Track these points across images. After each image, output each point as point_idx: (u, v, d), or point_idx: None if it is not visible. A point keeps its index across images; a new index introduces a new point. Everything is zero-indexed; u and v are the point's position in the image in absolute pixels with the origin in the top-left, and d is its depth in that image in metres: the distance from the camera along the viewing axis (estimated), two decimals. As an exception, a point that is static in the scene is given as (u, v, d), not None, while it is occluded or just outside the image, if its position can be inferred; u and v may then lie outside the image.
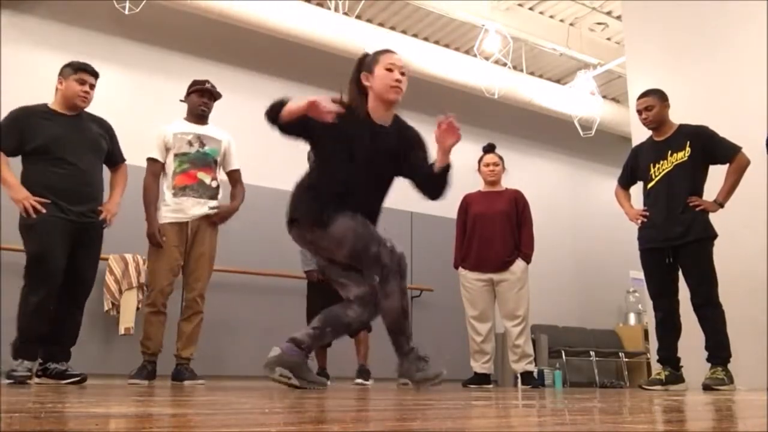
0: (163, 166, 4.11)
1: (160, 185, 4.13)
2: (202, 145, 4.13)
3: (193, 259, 4.05)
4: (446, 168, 2.91)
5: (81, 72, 3.56)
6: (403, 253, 2.74)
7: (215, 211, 4.10)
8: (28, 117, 3.47)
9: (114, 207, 3.67)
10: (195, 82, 4.26)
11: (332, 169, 2.81)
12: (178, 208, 4.03)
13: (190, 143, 4.11)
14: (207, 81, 4.27)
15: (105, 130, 3.72)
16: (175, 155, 4.08)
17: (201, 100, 4.19)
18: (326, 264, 2.91)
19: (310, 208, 2.79)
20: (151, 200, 4.05)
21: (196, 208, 4.05)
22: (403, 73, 2.86)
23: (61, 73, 3.59)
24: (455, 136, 2.82)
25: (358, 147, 2.79)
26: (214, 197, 4.13)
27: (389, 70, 2.84)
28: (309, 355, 2.80)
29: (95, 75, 3.64)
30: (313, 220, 2.77)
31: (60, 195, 3.39)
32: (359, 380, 4.60)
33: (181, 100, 4.30)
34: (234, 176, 4.30)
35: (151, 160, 4.12)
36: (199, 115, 4.20)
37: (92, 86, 3.61)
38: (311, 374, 2.79)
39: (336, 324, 2.79)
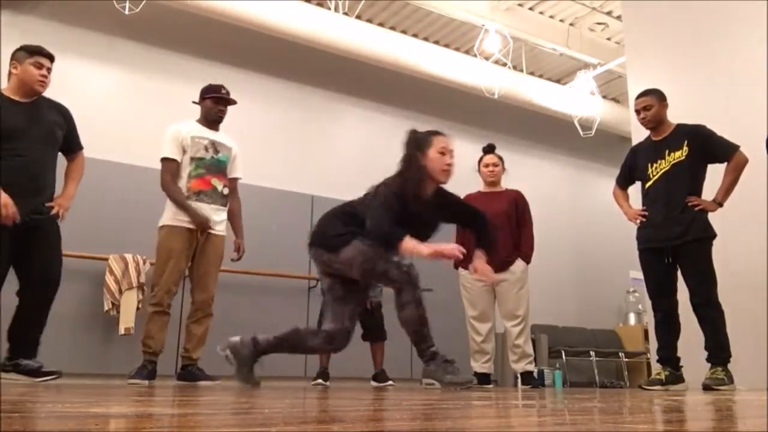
0: (179, 165, 4.04)
1: None
2: (216, 151, 4.13)
3: (204, 261, 4.05)
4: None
5: (37, 55, 3.43)
6: (413, 265, 2.91)
7: (222, 232, 4.12)
8: None
9: (67, 201, 3.50)
10: (211, 88, 4.23)
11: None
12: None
13: (206, 149, 4.10)
14: (222, 87, 4.26)
15: (63, 116, 3.55)
16: (191, 158, 4.05)
17: (217, 107, 4.18)
18: (327, 288, 3.07)
19: (329, 230, 3.03)
20: (179, 197, 3.97)
21: (211, 215, 4.05)
22: (452, 157, 3.12)
23: (14, 58, 3.42)
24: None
25: (408, 221, 2.96)
26: (224, 204, 4.15)
27: (442, 153, 3.07)
28: (259, 357, 3.03)
29: (51, 58, 3.50)
30: (326, 246, 2.97)
31: (9, 187, 3.22)
32: (374, 382, 4.70)
33: (195, 102, 4.29)
34: (234, 184, 4.29)
35: (167, 160, 4.03)
36: (213, 121, 4.20)
37: (49, 70, 3.47)
38: (250, 373, 3.00)
39: (297, 344, 3.03)
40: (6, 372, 3.33)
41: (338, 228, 2.96)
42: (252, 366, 3.01)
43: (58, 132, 3.49)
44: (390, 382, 4.65)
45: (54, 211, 3.43)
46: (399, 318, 2.93)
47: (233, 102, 4.28)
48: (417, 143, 3.11)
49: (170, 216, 4.01)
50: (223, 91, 4.24)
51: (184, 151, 4.06)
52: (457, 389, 2.87)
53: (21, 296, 3.38)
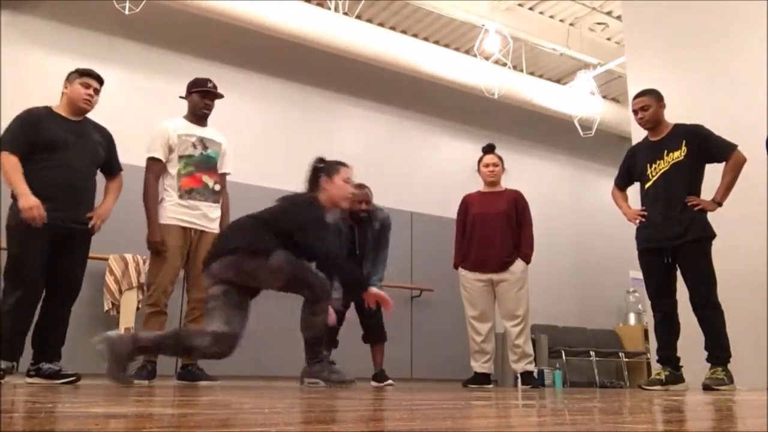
0: (165, 166, 4.02)
1: (161, 184, 4.06)
2: (205, 147, 4.10)
3: (199, 259, 4.00)
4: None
5: (85, 77, 3.65)
6: (327, 280, 3.23)
7: (217, 230, 4.11)
8: (33, 118, 3.53)
9: (105, 212, 3.69)
10: (197, 82, 4.20)
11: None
12: (186, 210, 3.99)
13: (194, 145, 4.06)
14: (209, 80, 4.22)
15: (105, 139, 3.76)
16: (180, 156, 4.01)
17: (203, 101, 4.14)
18: (221, 292, 3.11)
19: (256, 239, 3.13)
20: (152, 202, 3.96)
21: (202, 217, 4.04)
22: (97, 91, 3.48)
23: (67, 78, 3.67)
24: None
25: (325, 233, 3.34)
26: (217, 201, 4.12)
27: (346, 182, 3.38)
28: (136, 356, 3.10)
29: (99, 80, 3.71)
30: (256, 248, 3.08)
31: (53, 196, 3.41)
32: (374, 382, 4.65)
33: (182, 97, 4.25)
34: (223, 180, 4.23)
35: (153, 160, 4.02)
36: (200, 116, 4.16)
37: (96, 90, 3.68)
38: (123, 372, 2.98)
39: (180, 343, 3.06)
40: (30, 377, 3.43)
41: (264, 237, 3.10)
42: (126, 365, 3.00)
43: (101, 151, 3.70)
44: (389, 382, 4.63)
45: (92, 222, 3.61)
46: (306, 320, 3.20)
47: (220, 96, 4.23)
48: (326, 169, 3.37)
49: (163, 215, 3.97)
50: (210, 85, 4.18)
51: (171, 150, 4.02)
52: (343, 388, 3.20)
53: (45, 301, 3.46)
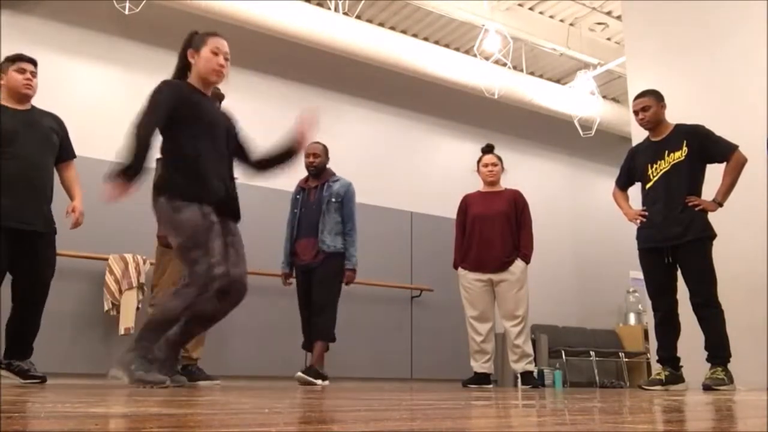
0: None
1: None
2: None
3: None
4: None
5: (18, 62, 3.54)
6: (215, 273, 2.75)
7: None
8: None
9: (81, 205, 3.59)
10: None
11: (183, 141, 2.88)
12: None
13: None
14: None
15: (57, 124, 3.64)
16: None
17: None
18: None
19: (175, 182, 2.86)
20: None
21: None
22: (227, 59, 3.01)
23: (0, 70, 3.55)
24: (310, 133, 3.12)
25: (195, 112, 2.90)
26: None
27: (215, 53, 2.97)
28: (174, 351, 2.88)
29: (33, 62, 3.59)
30: (174, 194, 2.82)
31: (11, 194, 3.31)
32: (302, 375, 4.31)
33: None
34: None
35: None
36: None
37: (33, 73, 3.57)
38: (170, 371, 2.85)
39: (194, 310, 2.78)
40: (1, 369, 3.43)
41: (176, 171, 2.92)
42: (171, 363, 2.88)
43: (54, 137, 3.58)
44: (324, 382, 4.28)
45: (74, 217, 3.53)
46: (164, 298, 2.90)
47: (222, 96, 4.27)
48: (191, 41, 3.04)
49: None
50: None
51: None
52: (145, 387, 2.63)
53: (16, 300, 3.44)
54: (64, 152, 3.66)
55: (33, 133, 3.48)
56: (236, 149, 3.11)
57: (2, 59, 3.58)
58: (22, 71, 3.52)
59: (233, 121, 3.13)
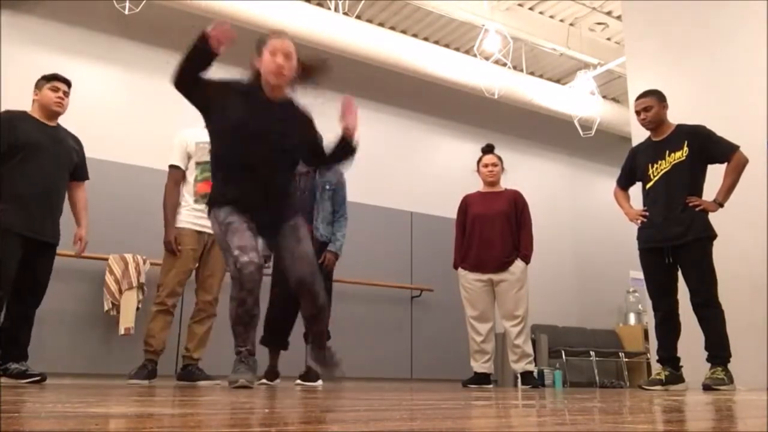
0: (184, 173, 4.18)
1: (180, 191, 4.20)
2: None
3: (211, 263, 4.12)
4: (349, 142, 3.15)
5: (53, 81, 3.74)
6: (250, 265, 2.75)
7: None
8: (10, 119, 3.59)
9: (86, 233, 3.83)
10: None
11: (224, 143, 2.94)
12: (200, 215, 4.06)
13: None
14: None
15: (78, 145, 3.87)
16: (197, 163, 4.16)
17: None
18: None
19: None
20: (171, 207, 4.12)
21: None
22: (288, 58, 2.98)
23: (36, 86, 3.75)
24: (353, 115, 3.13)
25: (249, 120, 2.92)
26: None
27: (272, 54, 2.97)
28: (251, 352, 2.91)
29: (67, 83, 3.78)
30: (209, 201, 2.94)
31: (28, 204, 3.49)
32: (302, 382, 4.28)
33: None
34: None
35: (173, 168, 4.19)
36: None
37: (65, 93, 3.76)
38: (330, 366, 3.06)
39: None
40: None
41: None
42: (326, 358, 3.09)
43: (74, 156, 3.80)
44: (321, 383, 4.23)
45: (79, 247, 3.79)
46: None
47: None
48: (257, 48, 3.06)
49: (180, 219, 4.12)
50: None
51: (190, 157, 4.18)
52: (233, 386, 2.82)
53: (12, 305, 3.51)
54: (79, 173, 3.87)
55: (56, 149, 3.67)
56: (304, 151, 3.14)
57: (40, 77, 3.78)
58: (56, 89, 3.72)
59: (301, 123, 3.13)
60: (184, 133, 4.23)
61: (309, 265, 2.93)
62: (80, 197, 3.89)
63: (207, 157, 4.11)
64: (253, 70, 3.04)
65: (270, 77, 2.96)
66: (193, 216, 4.10)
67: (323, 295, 3.01)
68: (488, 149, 4.82)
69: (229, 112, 2.91)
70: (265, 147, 2.93)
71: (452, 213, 4.97)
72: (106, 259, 4.99)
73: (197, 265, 4.15)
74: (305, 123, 3.15)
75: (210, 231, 4.06)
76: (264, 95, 2.99)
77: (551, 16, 7.86)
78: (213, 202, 2.93)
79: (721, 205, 3.83)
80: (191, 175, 4.16)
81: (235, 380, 2.79)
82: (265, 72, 2.96)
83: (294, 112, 3.12)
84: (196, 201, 4.11)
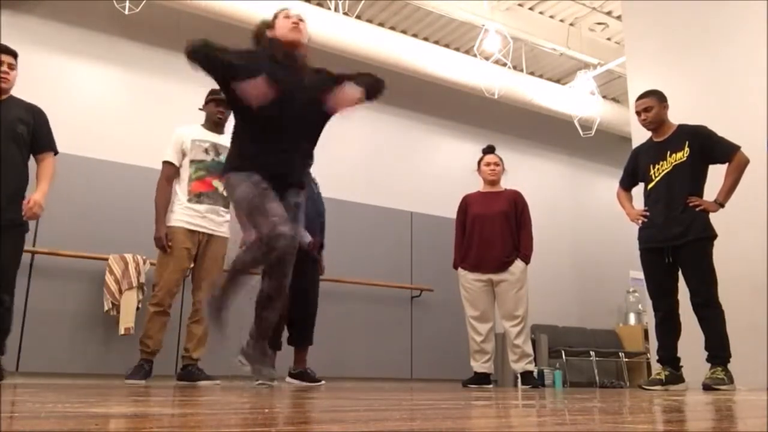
0: (177, 170, 4.15)
1: (173, 188, 4.18)
2: (218, 153, 4.18)
3: (207, 262, 4.10)
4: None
5: None
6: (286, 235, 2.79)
7: (225, 234, 4.17)
8: None
9: (41, 198, 3.38)
10: (212, 90, 4.29)
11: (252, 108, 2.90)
12: (194, 214, 4.07)
13: (207, 151, 4.17)
14: None
15: (32, 115, 3.49)
16: (191, 161, 4.14)
17: (218, 108, 4.24)
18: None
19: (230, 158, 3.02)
20: (162, 203, 4.09)
21: (210, 221, 4.11)
22: (301, 20, 3.05)
23: None
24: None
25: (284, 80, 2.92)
26: (226, 205, 4.18)
27: (286, 17, 3.05)
28: (264, 344, 3.08)
29: (11, 53, 3.47)
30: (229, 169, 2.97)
31: None
32: (298, 381, 4.23)
33: (200, 109, 4.36)
34: None
35: (166, 164, 4.16)
36: (216, 123, 4.26)
37: (11, 66, 3.45)
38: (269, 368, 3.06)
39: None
40: None
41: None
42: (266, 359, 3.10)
43: (20, 127, 3.42)
44: (323, 382, 4.25)
45: (28, 207, 3.34)
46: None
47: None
48: (266, 25, 3.10)
49: (173, 217, 4.08)
50: (223, 94, 4.26)
51: (184, 155, 4.15)
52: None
53: None
54: (37, 144, 3.50)
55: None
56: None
57: None
58: None
59: (329, 82, 3.08)
60: (181, 130, 4.22)
61: (294, 245, 2.90)
62: (39, 168, 3.49)
63: (203, 156, 4.14)
64: (266, 42, 3.05)
65: (288, 34, 3.00)
66: (186, 215, 4.07)
67: (287, 287, 2.99)
68: (489, 149, 4.82)
69: (260, 75, 2.83)
70: (297, 110, 2.97)
71: (452, 213, 4.97)
72: (106, 259, 4.99)
73: (193, 264, 4.13)
74: (328, 81, 3.13)
75: (204, 230, 4.09)
76: (286, 61, 3.01)
77: (551, 16, 7.86)
78: (236, 166, 2.94)
79: (722, 206, 3.83)
80: (185, 172, 4.13)
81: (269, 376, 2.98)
82: (282, 32, 3.01)
83: (317, 74, 3.16)
84: (189, 200, 4.09)
